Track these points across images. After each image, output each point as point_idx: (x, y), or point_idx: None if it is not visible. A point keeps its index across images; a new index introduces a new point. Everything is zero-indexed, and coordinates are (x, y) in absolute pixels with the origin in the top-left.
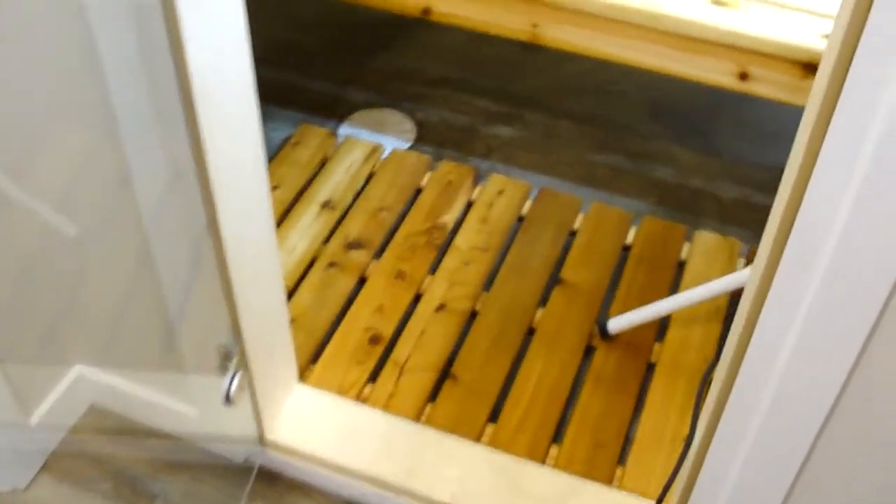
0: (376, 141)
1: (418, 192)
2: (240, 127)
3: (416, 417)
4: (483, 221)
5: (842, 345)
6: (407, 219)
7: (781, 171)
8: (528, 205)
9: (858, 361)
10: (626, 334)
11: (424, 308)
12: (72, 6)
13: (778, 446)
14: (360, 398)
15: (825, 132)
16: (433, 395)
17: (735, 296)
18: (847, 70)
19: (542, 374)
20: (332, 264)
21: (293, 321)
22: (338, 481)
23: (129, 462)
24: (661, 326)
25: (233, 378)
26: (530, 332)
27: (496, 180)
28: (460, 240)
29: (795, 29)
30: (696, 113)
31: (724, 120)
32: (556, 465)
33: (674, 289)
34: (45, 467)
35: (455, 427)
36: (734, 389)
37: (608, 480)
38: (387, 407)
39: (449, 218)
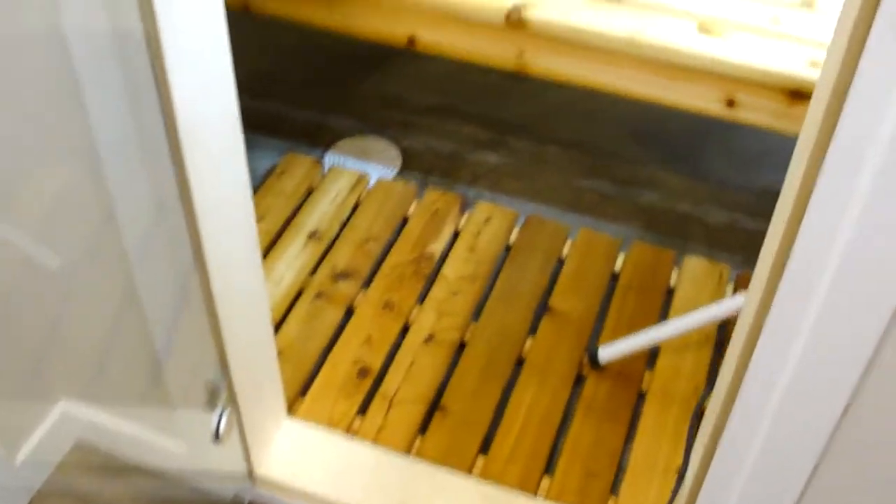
0: (362, 169)
1: (405, 221)
2: (225, 162)
3: (407, 450)
4: (471, 250)
5: (837, 382)
6: (394, 248)
7: (768, 194)
8: (515, 232)
9: (854, 398)
10: (617, 363)
11: (413, 339)
12: (54, 40)
13: (774, 483)
14: (350, 431)
15: (820, 164)
16: (423, 427)
17: (725, 323)
18: (843, 101)
19: (533, 404)
20: (319, 295)
21: (281, 354)
22: None
23: (117, 500)
24: (652, 354)
25: (221, 415)
26: (520, 361)
27: (483, 208)
28: (448, 269)
29: (782, 56)
30: (682, 137)
31: (711, 144)
32: (549, 496)
33: (663, 315)
34: None
35: (446, 459)
36: (728, 427)
37: None
38: (377, 440)
39: (436, 247)
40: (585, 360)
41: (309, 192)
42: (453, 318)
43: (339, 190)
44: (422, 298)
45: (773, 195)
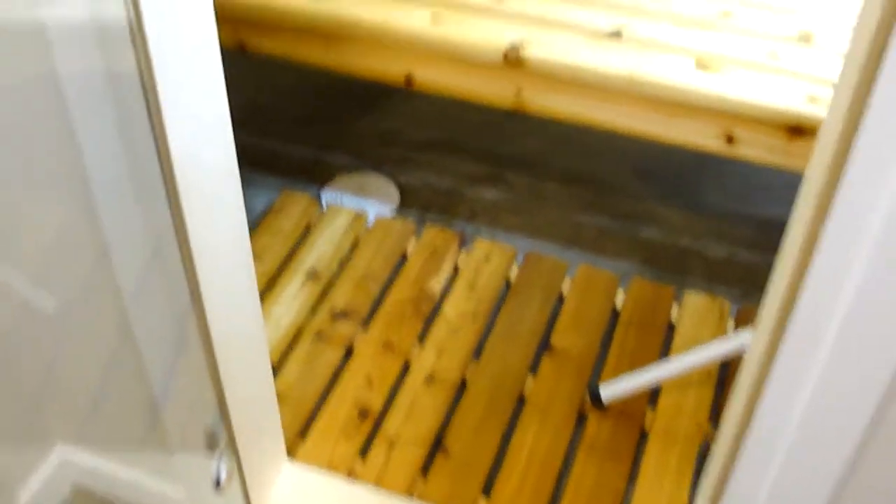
0: (360, 206)
1: (404, 258)
2: (222, 204)
3: (409, 493)
4: (470, 288)
5: (846, 429)
6: (393, 287)
7: (767, 227)
8: (514, 269)
9: (863, 445)
10: (619, 401)
11: (413, 379)
12: (48, 82)
13: None
14: (351, 474)
15: (829, 206)
16: (425, 468)
17: (727, 360)
18: (852, 140)
19: (535, 444)
20: (318, 336)
21: (280, 396)
22: None
23: None
24: (653, 392)
25: (220, 461)
26: (521, 401)
27: (482, 245)
28: (448, 307)
29: (780, 92)
30: (680, 171)
31: (709, 177)
32: None
33: (665, 352)
34: None
35: (448, 502)
36: (733, 475)
37: None
38: (378, 483)
39: (436, 285)
40: (587, 398)
41: (307, 231)
42: (454, 358)
43: (337, 228)
44: (422, 337)
45: (771, 227)
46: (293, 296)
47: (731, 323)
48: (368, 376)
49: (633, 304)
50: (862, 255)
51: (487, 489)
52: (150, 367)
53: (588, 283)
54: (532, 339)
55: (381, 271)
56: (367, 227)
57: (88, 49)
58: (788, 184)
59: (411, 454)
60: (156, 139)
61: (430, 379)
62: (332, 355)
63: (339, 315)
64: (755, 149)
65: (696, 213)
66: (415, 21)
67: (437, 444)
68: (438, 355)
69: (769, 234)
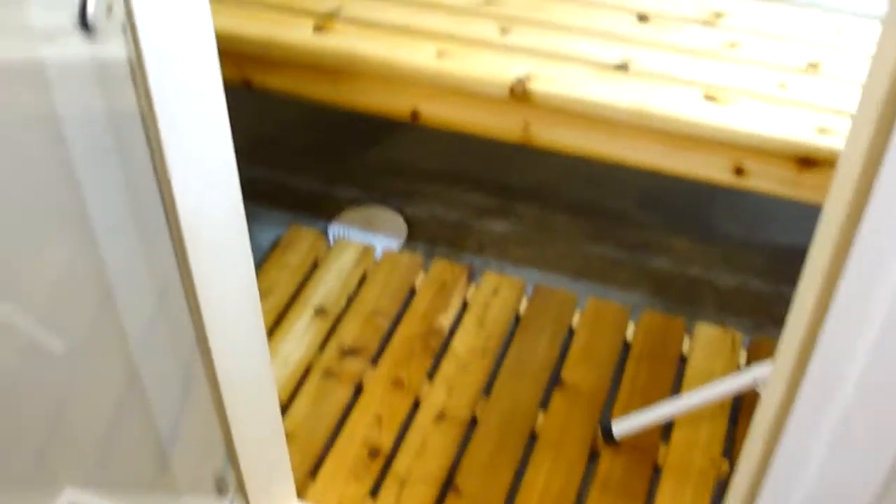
0: (367, 240)
1: (412, 293)
2: (228, 247)
3: None
4: (479, 323)
5: (868, 474)
6: (402, 323)
7: (778, 255)
8: (524, 303)
9: (883, 493)
10: (631, 436)
11: (423, 417)
12: (48, 124)
13: None
14: None
15: (849, 245)
16: None
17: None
18: (874, 175)
19: (547, 482)
20: (327, 373)
21: (289, 435)
22: None
23: None
24: (666, 426)
25: None
26: (533, 437)
27: (490, 279)
28: (457, 343)
29: (790, 123)
30: (689, 199)
31: (718, 205)
32: None
33: (677, 385)
34: None
35: None
36: None
37: None
38: None
39: (445, 320)
40: (599, 434)
41: (314, 266)
42: (464, 394)
43: (344, 263)
44: (431, 374)
45: (782, 255)
46: (301, 332)
47: (743, 354)
48: (378, 414)
49: (643, 337)
50: (887, 289)
51: None
52: (157, 411)
53: (598, 315)
54: (542, 374)
55: (389, 306)
56: (375, 261)
57: (89, 89)
58: (799, 211)
59: (422, 494)
60: (159, 182)
61: (441, 416)
62: (342, 393)
63: (348, 352)
64: (765, 181)
65: (705, 241)
66: (420, 56)
67: (449, 483)
68: (448, 392)
69: (780, 263)
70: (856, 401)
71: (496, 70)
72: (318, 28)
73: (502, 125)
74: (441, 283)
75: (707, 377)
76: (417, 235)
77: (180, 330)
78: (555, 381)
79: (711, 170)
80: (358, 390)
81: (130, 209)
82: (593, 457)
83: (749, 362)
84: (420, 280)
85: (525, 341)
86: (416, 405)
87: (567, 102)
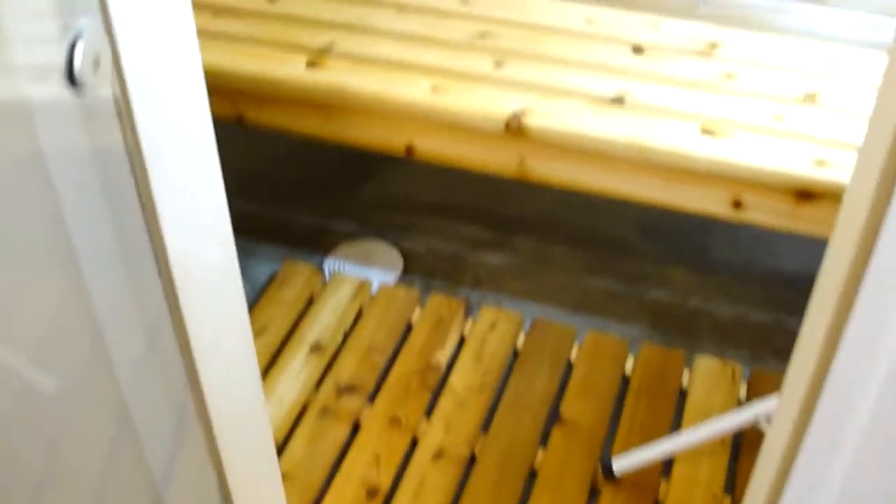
0: (363, 275)
1: (409, 328)
2: (220, 292)
3: None
4: (477, 358)
5: None
6: (399, 359)
7: (776, 285)
8: (521, 337)
9: None
10: (632, 473)
11: (421, 455)
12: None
13: None
14: None
15: (860, 281)
16: None
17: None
18: (884, 211)
19: None
20: (324, 412)
21: (286, 476)
22: None
23: None
24: (666, 462)
25: None
26: (532, 474)
27: (488, 313)
28: (455, 379)
29: (787, 156)
30: (687, 227)
31: (716, 233)
32: None
33: (677, 419)
34: None
35: None
36: None
37: None
38: None
39: (442, 356)
40: (599, 471)
41: (310, 302)
42: (462, 432)
43: (340, 298)
44: (429, 411)
45: (780, 285)
46: (297, 370)
47: (743, 387)
48: (375, 453)
49: (642, 371)
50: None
51: None
52: (150, 453)
53: (596, 349)
54: (541, 409)
55: (385, 342)
56: (371, 296)
57: (73, 125)
58: (797, 240)
59: None
60: (148, 226)
61: (439, 454)
62: (339, 432)
63: (345, 389)
64: (763, 214)
65: (703, 272)
66: (414, 91)
67: None
68: (446, 429)
69: (779, 292)
70: (867, 442)
71: (491, 105)
72: (312, 63)
73: (498, 160)
74: (438, 317)
75: (707, 411)
76: (414, 269)
77: (172, 370)
78: (554, 416)
79: (709, 203)
80: (355, 429)
81: (119, 249)
82: (594, 494)
83: (749, 395)
84: (417, 315)
85: (523, 376)
86: (414, 443)
87: (563, 137)
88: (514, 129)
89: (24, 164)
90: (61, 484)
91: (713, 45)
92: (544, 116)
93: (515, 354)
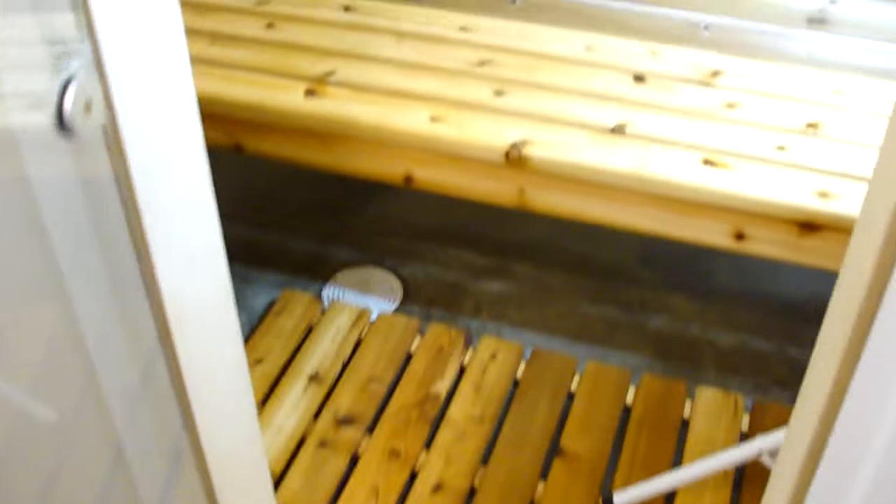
0: (362, 303)
1: (409, 358)
2: (215, 328)
3: None
4: (477, 389)
5: None
6: (398, 389)
7: (777, 312)
8: (522, 367)
9: None
10: None
11: (421, 488)
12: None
13: None
14: None
15: (874, 313)
16: None
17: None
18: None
19: None
20: (322, 443)
21: None
22: None
23: None
24: (669, 494)
25: None
26: None
27: (488, 343)
28: (454, 410)
29: (790, 187)
30: (687, 254)
31: (717, 260)
32: None
33: (679, 452)
34: None
35: None
36: None
37: None
38: None
39: (442, 386)
40: None
41: (309, 331)
42: (462, 464)
43: (339, 327)
44: (428, 443)
45: (782, 312)
46: (296, 401)
47: (745, 419)
48: (374, 486)
49: (644, 402)
50: None
51: None
52: (145, 489)
53: (597, 380)
54: (542, 441)
55: (385, 372)
56: (371, 324)
57: (60, 154)
58: (798, 266)
59: None
60: (139, 257)
61: (438, 487)
62: (337, 464)
63: (343, 420)
64: (766, 245)
65: (705, 298)
66: (413, 120)
67: None
68: (446, 462)
69: (781, 320)
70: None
71: (491, 135)
72: (310, 92)
73: (497, 190)
74: (438, 347)
75: (709, 442)
76: (413, 297)
77: (166, 406)
78: (554, 448)
79: (712, 235)
80: (354, 461)
81: (110, 285)
82: None
83: (752, 426)
84: (416, 344)
85: (523, 407)
86: (413, 476)
87: (563, 167)
88: (514, 159)
89: (10, 199)
90: None
91: (715, 74)
92: (544, 147)
93: (516, 385)
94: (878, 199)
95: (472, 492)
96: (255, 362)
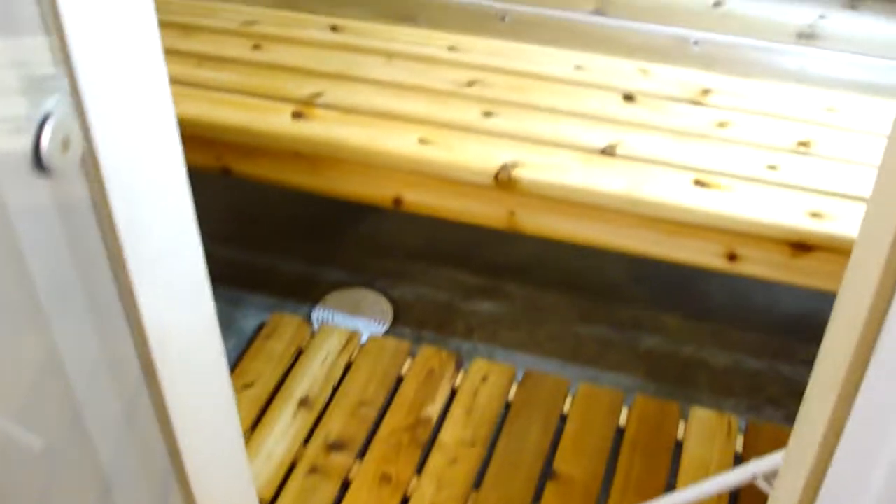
0: (352, 325)
1: (399, 381)
2: (201, 363)
3: None
4: (468, 412)
5: None
6: (389, 413)
7: (771, 331)
8: (513, 389)
9: None
10: None
11: None
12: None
13: None
14: None
15: (877, 335)
16: None
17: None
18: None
19: None
20: (313, 469)
21: None
22: None
23: None
24: None
25: None
26: None
27: (479, 365)
28: (446, 434)
29: (782, 207)
30: (679, 273)
31: (711, 280)
32: None
33: (672, 474)
34: None
35: None
36: None
37: None
38: None
39: (433, 410)
40: None
41: (298, 354)
42: (454, 489)
43: (329, 350)
44: (420, 468)
45: (774, 331)
46: (286, 426)
47: (739, 440)
48: None
49: (637, 424)
50: None
51: None
52: None
53: (590, 401)
54: (534, 464)
55: (375, 396)
56: (361, 347)
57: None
58: (791, 285)
59: None
60: (120, 289)
61: None
62: (328, 490)
63: (334, 445)
64: (758, 266)
65: (697, 317)
66: (402, 143)
67: None
68: (437, 487)
69: (774, 339)
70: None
71: (480, 157)
72: (298, 115)
73: (487, 212)
74: (429, 370)
75: (703, 464)
76: (404, 318)
77: (152, 436)
78: (547, 471)
79: (704, 256)
80: (345, 486)
81: (92, 316)
82: None
83: (746, 448)
84: (407, 367)
85: (516, 430)
86: (405, 501)
87: (553, 189)
88: (504, 181)
89: None
90: None
91: (705, 92)
92: (534, 169)
93: (508, 407)
94: (878, 218)
95: None
96: (244, 386)
